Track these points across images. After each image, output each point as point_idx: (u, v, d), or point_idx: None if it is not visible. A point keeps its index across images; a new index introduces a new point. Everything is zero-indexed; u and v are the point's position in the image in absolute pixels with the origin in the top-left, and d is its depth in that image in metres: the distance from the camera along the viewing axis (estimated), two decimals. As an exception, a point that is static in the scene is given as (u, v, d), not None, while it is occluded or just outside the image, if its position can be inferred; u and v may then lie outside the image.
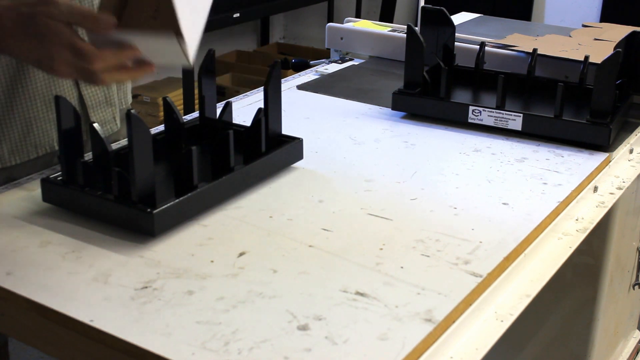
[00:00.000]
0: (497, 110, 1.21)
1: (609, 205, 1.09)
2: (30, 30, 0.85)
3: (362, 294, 0.77)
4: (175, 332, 0.71)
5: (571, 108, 1.24)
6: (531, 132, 1.19)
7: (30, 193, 0.98)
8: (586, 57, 1.30)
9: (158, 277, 0.80)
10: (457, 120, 1.24)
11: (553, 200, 1.00)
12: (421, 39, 1.25)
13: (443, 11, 1.35)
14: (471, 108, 1.22)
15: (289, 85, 1.45)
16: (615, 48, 1.21)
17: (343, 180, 1.05)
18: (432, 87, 1.27)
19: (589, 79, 1.27)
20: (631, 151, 1.24)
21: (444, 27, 1.36)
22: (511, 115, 1.20)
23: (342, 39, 1.65)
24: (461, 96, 1.34)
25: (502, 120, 1.20)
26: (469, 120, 1.22)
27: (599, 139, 1.16)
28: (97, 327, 0.72)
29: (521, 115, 1.19)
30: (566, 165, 1.10)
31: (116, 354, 0.71)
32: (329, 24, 1.67)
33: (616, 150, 1.18)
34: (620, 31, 1.66)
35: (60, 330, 0.75)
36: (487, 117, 1.21)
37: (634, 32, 1.26)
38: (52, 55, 0.85)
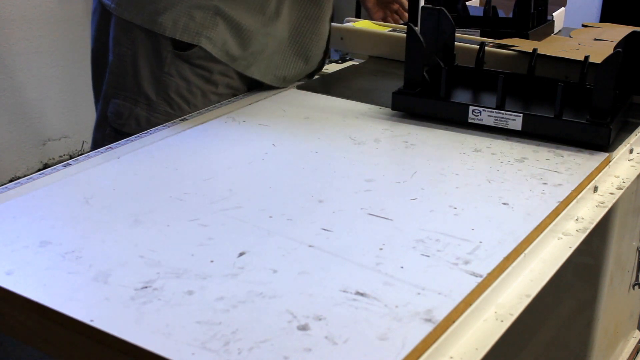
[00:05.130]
0: (497, 110, 1.21)
1: (609, 205, 1.09)
2: None
3: (362, 294, 0.77)
4: (175, 332, 0.71)
5: (571, 108, 1.24)
6: (531, 132, 1.19)
7: (30, 193, 0.98)
8: (586, 57, 1.30)
9: (158, 277, 0.80)
10: (457, 120, 1.24)
11: (553, 200, 1.00)
12: (421, 38, 1.25)
13: (443, 11, 1.35)
14: (471, 108, 1.22)
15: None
16: (615, 48, 1.21)
17: (343, 180, 1.05)
18: (432, 87, 1.27)
19: (589, 79, 1.27)
20: (631, 151, 1.24)
21: (444, 26, 1.36)
22: (511, 115, 1.20)
23: (342, 39, 1.66)
24: (461, 96, 1.34)
25: (502, 120, 1.20)
26: (469, 120, 1.23)
27: (599, 139, 1.16)
28: (97, 327, 0.72)
29: (521, 115, 1.19)
30: (566, 165, 1.10)
31: (116, 354, 0.71)
32: (329, 24, 1.67)
33: (616, 150, 1.18)
34: (620, 31, 1.66)
35: (60, 330, 0.75)
36: (487, 117, 1.21)
37: (634, 32, 1.26)
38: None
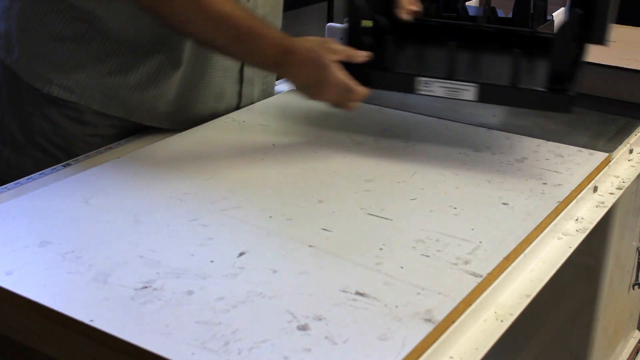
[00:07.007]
0: (447, 81, 1.09)
1: (609, 205, 1.09)
2: (313, 65, 1.09)
3: (362, 294, 0.77)
4: (175, 332, 0.71)
5: (528, 65, 1.15)
6: (487, 102, 1.11)
7: (30, 193, 0.98)
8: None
9: (158, 277, 0.80)
10: (405, 91, 1.14)
11: (553, 200, 1.00)
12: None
13: None
14: (418, 79, 1.10)
15: (289, 85, 1.45)
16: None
17: (343, 180, 1.05)
18: (377, 55, 1.14)
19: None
20: (631, 151, 1.24)
21: None
22: (463, 85, 1.09)
23: (342, 39, 1.65)
24: (410, 62, 1.23)
25: (453, 91, 1.10)
26: (418, 93, 1.12)
27: (559, 106, 1.09)
28: (97, 327, 0.72)
29: (474, 85, 1.09)
30: (566, 165, 1.10)
31: (116, 354, 0.71)
32: (329, 24, 1.67)
33: (616, 150, 1.18)
34: (620, 31, 1.66)
35: (60, 330, 0.75)
36: (437, 88, 1.10)
37: None
38: (323, 87, 1.10)
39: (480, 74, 1.17)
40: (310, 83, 1.11)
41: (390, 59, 1.16)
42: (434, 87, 1.09)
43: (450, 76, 1.10)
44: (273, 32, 1.10)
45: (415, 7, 1.28)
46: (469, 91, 1.09)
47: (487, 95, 1.09)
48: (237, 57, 1.18)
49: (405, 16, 1.25)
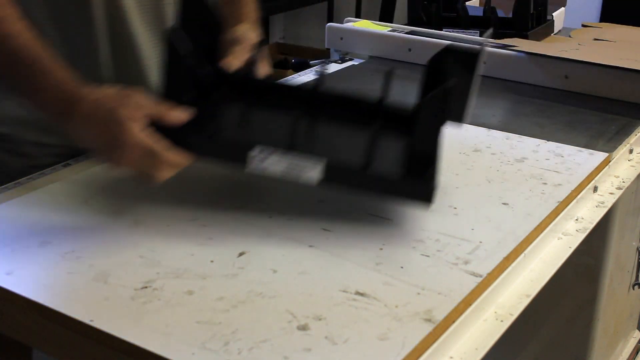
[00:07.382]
0: (286, 156, 0.89)
1: (609, 205, 1.09)
2: (104, 121, 0.87)
3: (362, 294, 0.77)
4: (175, 332, 0.71)
5: (386, 143, 0.97)
6: (334, 183, 0.91)
7: (30, 193, 0.98)
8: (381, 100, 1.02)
9: (158, 277, 0.80)
10: (234, 164, 0.91)
11: (553, 200, 1.00)
12: (180, 49, 0.92)
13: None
14: (250, 151, 0.89)
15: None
16: (428, 64, 1.03)
17: (343, 180, 1.04)
18: (200, 116, 0.92)
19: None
20: (631, 151, 1.24)
21: (209, 24, 1.04)
22: (306, 162, 0.89)
23: (342, 39, 1.65)
24: (242, 128, 1.00)
25: (294, 169, 0.89)
26: (250, 169, 0.90)
27: (419, 196, 0.91)
28: (97, 327, 0.72)
29: (319, 164, 0.89)
30: (566, 165, 1.10)
31: (116, 354, 0.71)
32: (328, 24, 1.67)
33: (616, 150, 1.18)
34: (621, 31, 1.66)
35: (60, 330, 0.75)
36: (273, 163, 0.89)
37: (447, 49, 1.04)
38: (115, 150, 0.86)
39: (327, 150, 0.96)
40: (99, 143, 0.88)
41: (216, 122, 0.98)
42: (270, 163, 0.89)
43: (290, 149, 0.90)
44: (61, 73, 0.91)
45: (246, 59, 1.03)
46: (313, 170, 0.89)
47: (335, 176, 0.90)
48: (20, 95, 0.96)
49: (235, 65, 1.01)
